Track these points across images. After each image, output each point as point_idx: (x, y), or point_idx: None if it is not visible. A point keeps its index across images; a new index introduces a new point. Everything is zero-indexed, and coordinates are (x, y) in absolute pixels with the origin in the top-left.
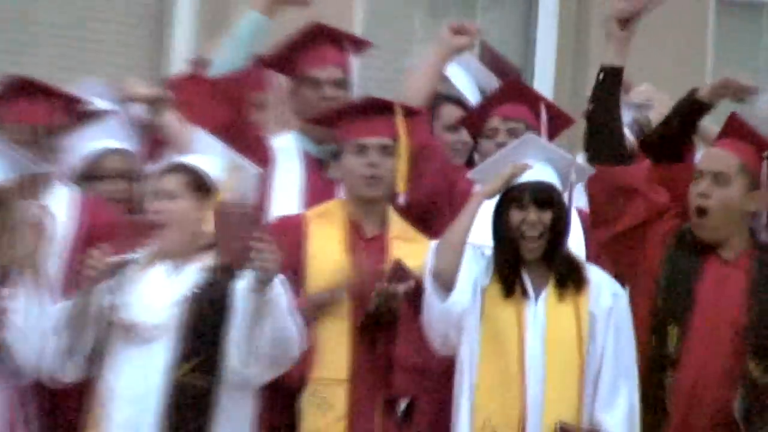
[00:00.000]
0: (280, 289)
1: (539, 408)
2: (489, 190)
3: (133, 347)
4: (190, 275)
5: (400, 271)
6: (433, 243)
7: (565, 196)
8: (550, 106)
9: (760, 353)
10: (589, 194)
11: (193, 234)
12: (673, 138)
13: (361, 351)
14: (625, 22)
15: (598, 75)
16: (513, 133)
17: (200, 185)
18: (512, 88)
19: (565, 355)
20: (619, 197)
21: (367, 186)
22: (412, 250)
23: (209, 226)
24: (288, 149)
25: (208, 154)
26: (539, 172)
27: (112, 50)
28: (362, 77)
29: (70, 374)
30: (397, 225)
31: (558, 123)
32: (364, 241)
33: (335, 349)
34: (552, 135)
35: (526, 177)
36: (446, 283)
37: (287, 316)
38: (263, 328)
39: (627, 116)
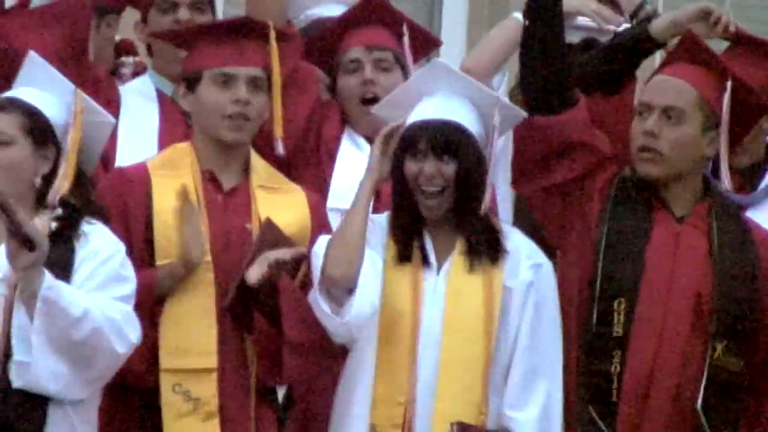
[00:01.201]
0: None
1: (430, 401)
2: (374, 174)
3: None
4: None
5: (272, 234)
6: (321, 240)
7: (485, 142)
8: (413, 28)
9: (727, 333)
10: (516, 145)
11: (26, 189)
12: (612, 73)
13: (231, 334)
14: None
15: None
16: (381, 66)
17: (38, 129)
18: (369, 8)
19: (467, 337)
20: (555, 151)
21: (232, 128)
22: (281, 201)
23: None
24: (141, 91)
25: (46, 89)
26: (443, 108)
27: None
28: None
29: None
30: (260, 172)
31: (423, 47)
32: (222, 194)
33: (201, 333)
34: (415, 61)
35: (425, 114)
36: (343, 291)
37: (77, 322)
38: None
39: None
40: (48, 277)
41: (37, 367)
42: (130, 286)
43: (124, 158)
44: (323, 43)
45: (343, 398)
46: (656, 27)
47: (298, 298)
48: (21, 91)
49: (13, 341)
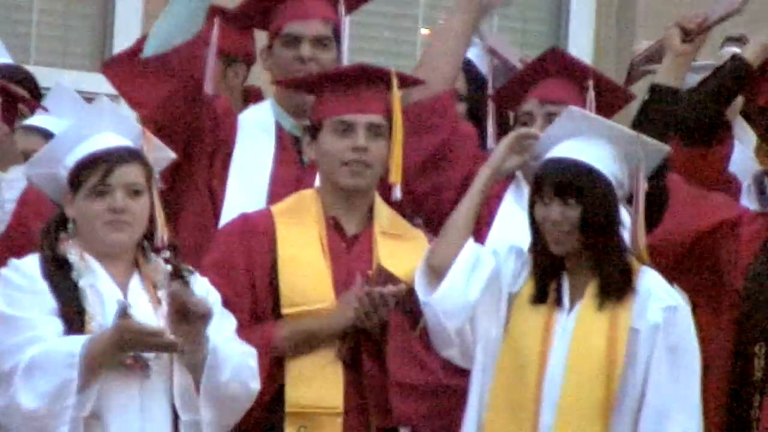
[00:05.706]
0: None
1: None
2: (491, 166)
3: (124, 383)
4: (139, 288)
5: (383, 277)
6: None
7: (623, 181)
8: (600, 80)
9: None
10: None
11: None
12: (710, 118)
13: (354, 378)
14: (690, 34)
15: (647, 93)
16: (551, 120)
17: (150, 176)
18: (552, 60)
19: (587, 378)
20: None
21: (351, 175)
22: (403, 248)
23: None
24: (260, 123)
25: (120, 133)
26: (571, 148)
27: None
28: (356, 39)
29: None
30: (383, 218)
31: (611, 100)
32: (346, 241)
33: (327, 377)
34: (605, 116)
35: (553, 153)
36: (438, 274)
37: (228, 376)
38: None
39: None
40: (211, 340)
41: (204, 423)
42: (233, 320)
43: (233, 195)
44: (504, 94)
45: None
46: (750, 55)
47: (406, 337)
48: (106, 137)
49: (177, 402)
